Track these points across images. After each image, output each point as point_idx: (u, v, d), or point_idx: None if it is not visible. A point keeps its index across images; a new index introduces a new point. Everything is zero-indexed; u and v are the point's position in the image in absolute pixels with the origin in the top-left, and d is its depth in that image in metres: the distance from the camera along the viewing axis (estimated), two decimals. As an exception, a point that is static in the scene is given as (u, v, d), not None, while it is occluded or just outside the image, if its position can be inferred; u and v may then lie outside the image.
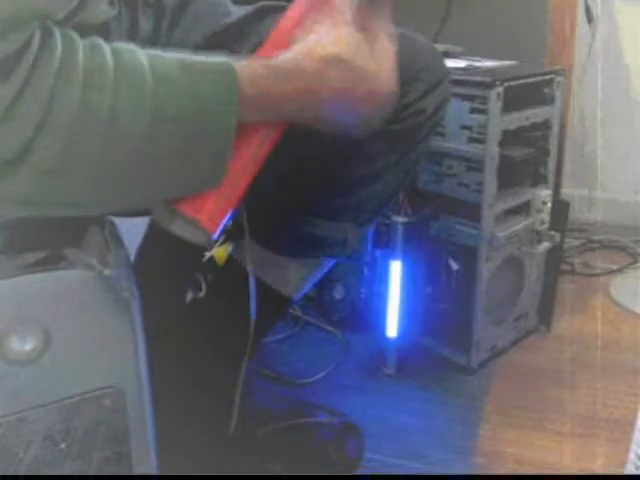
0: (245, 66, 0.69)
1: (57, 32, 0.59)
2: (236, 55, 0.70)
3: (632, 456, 0.87)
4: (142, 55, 0.64)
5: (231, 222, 0.78)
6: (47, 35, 0.58)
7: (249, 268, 0.96)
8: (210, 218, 0.72)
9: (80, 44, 0.60)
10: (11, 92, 0.55)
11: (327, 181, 0.98)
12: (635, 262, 1.99)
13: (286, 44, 0.74)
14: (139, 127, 0.61)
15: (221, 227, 0.74)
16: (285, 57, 0.71)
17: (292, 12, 0.79)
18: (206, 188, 0.70)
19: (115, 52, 0.62)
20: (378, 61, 0.76)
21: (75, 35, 0.61)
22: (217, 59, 0.68)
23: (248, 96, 0.67)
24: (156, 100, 0.62)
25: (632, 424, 0.87)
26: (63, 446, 0.66)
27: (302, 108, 0.73)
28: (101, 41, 0.62)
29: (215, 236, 0.73)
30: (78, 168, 0.61)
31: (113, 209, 0.71)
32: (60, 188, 0.62)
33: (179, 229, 0.71)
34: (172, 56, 0.66)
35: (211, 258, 1.15)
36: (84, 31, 0.62)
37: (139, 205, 0.72)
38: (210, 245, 0.74)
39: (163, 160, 0.65)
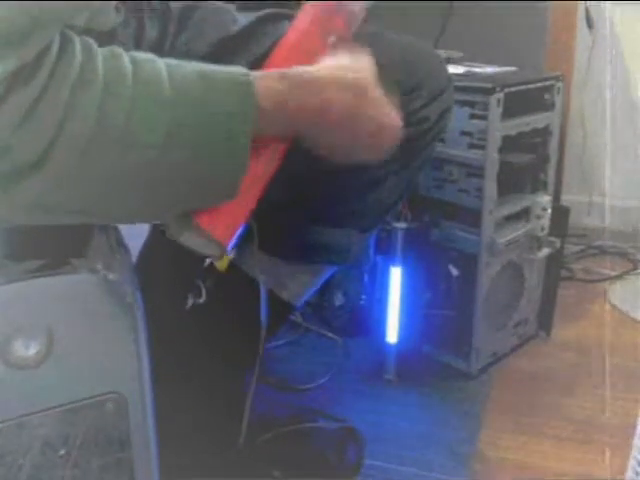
0: (262, 78, 0.69)
1: (76, 39, 0.59)
2: (243, 62, 0.70)
3: (633, 462, 0.87)
4: (161, 64, 0.64)
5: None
6: (66, 42, 0.58)
7: (258, 275, 0.96)
8: (225, 231, 0.72)
9: (99, 52, 0.60)
10: (30, 98, 0.55)
11: (330, 188, 0.98)
12: (635, 268, 2.00)
13: (293, 56, 0.74)
14: (155, 136, 0.61)
15: (234, 239, 0.74)
16: (300, 70, 0.72)
17: (297, 25, 0.79)
18: (221, 201, 0.71)
19: (134, 61, 0.62)
20: (387, 102, 0.77)
21: (94, 43, 0.61)
22: (235, 69, 0.68)
23: (264, 108, 0.68)
24: (173, 109, 0.62)
25: (633, 430, 0.87)
26: (63, 452, 0.65)
27: (313, 124, 0.74)
28: (120, 50, 0.62)
29: (229, 248, 0.73)
30: (94, 175, 0.61)
31: (128, 218, 0.71)
32: (76, 195, 0.62)
33: (190, 241, 0.71)
34: (191, 66, 0.66)
35: (211, 264, 1.15)
36: (91, 37, 0.62)
37: (154, 216, 0.72)
38: (223, 257, 0.74)
39: (178, 170, 0.65)
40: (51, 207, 0.62)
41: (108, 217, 0.69)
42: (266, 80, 0.69)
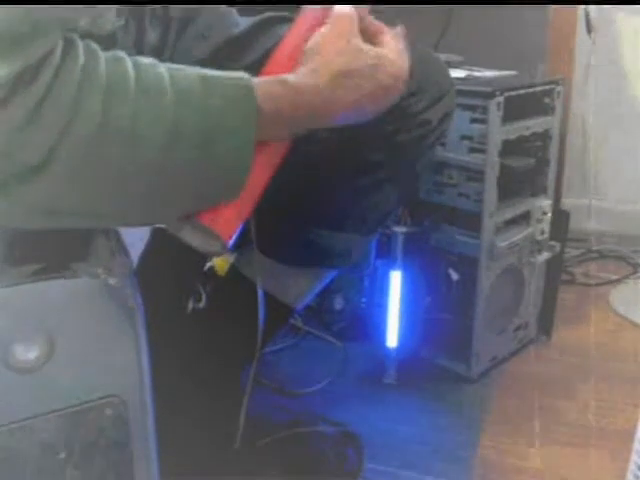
0: (261, 83, 0.69)
1: (80, 43, 0.59)
2: (244, 65, 0.70)
3: (632, 466, 0.87)
4: (163, 68, 0.64)
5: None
6: (70, 45, 0.58)
7: (257, 279, 0.96)
8: (226, 227, 0.72)
9: (102, 55, 0.61)
10: (33, 100, 0.55)
11: (330, 191, 0.98)
12: (635, 272, 2.00)
13: (295, 58, 0.75)
14: (158, 138, 0.61)
15: (235, 236, 0.74)
16: (298, 76, 0.72)
17: (297, 26, 0.79)
18: (224, 201, 0.71)
19: (136, 64, 0.62)
20: (383, 56, 0.77)
21: (97, 47, 0.61)
22: (236, 74, 0.69)
23: (265, 112, 0.68)
24: (176, 112, 0.62)
25: (632, 434, 0.87)
26: (63, 455, 0.65)
27: (317, 122, 0.74)
28: (123, 54, 0.63)
29: (230, 245, 0.74)
30: (99, 177, 0.61)
31: (132, 221, 0.71)
32: (81, 197, 0.62)
33: (190, 237, 0.71)
34: (192, 70, 0.67)
35: (211, 268, 1.15)
36: (91, 41, 0.62)
37: (158, 218, 0.72)
38: (223, 253, 0.74)
39: (183, 173, 0.65)
40: (56, 210, 0.62)
41: (113, 220, 0.69)
42: (266, 85, 0.70)
